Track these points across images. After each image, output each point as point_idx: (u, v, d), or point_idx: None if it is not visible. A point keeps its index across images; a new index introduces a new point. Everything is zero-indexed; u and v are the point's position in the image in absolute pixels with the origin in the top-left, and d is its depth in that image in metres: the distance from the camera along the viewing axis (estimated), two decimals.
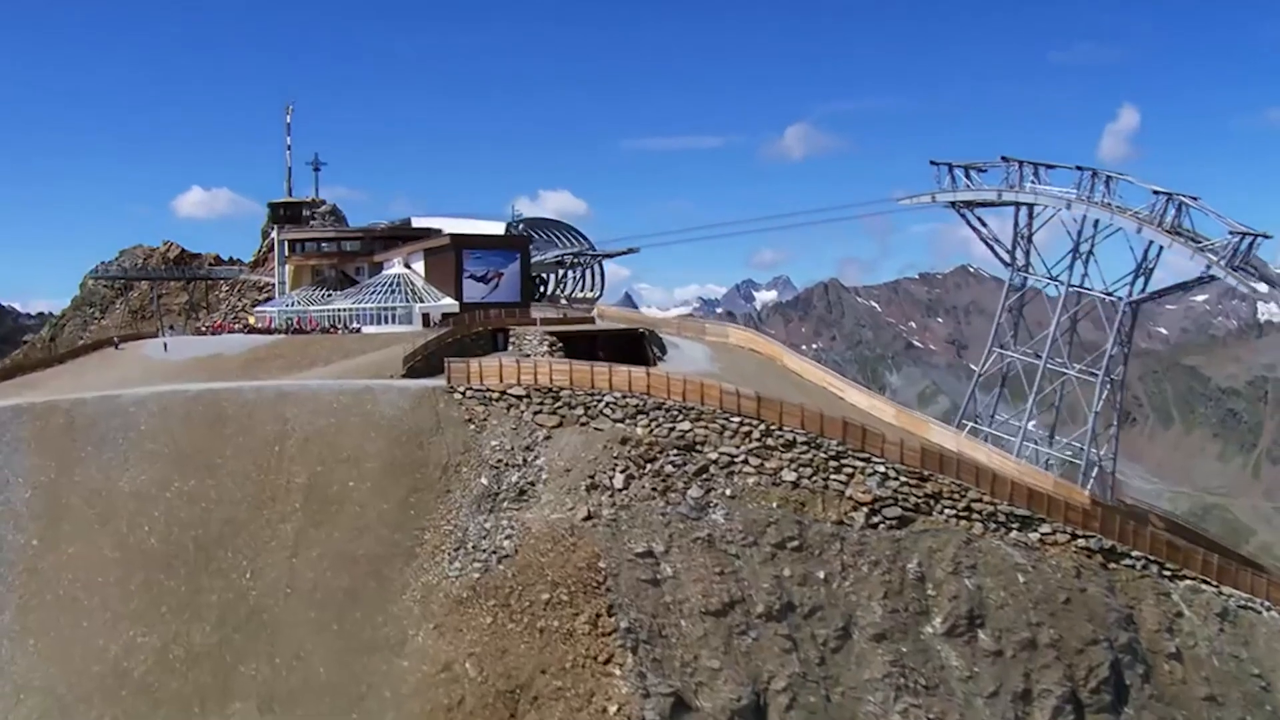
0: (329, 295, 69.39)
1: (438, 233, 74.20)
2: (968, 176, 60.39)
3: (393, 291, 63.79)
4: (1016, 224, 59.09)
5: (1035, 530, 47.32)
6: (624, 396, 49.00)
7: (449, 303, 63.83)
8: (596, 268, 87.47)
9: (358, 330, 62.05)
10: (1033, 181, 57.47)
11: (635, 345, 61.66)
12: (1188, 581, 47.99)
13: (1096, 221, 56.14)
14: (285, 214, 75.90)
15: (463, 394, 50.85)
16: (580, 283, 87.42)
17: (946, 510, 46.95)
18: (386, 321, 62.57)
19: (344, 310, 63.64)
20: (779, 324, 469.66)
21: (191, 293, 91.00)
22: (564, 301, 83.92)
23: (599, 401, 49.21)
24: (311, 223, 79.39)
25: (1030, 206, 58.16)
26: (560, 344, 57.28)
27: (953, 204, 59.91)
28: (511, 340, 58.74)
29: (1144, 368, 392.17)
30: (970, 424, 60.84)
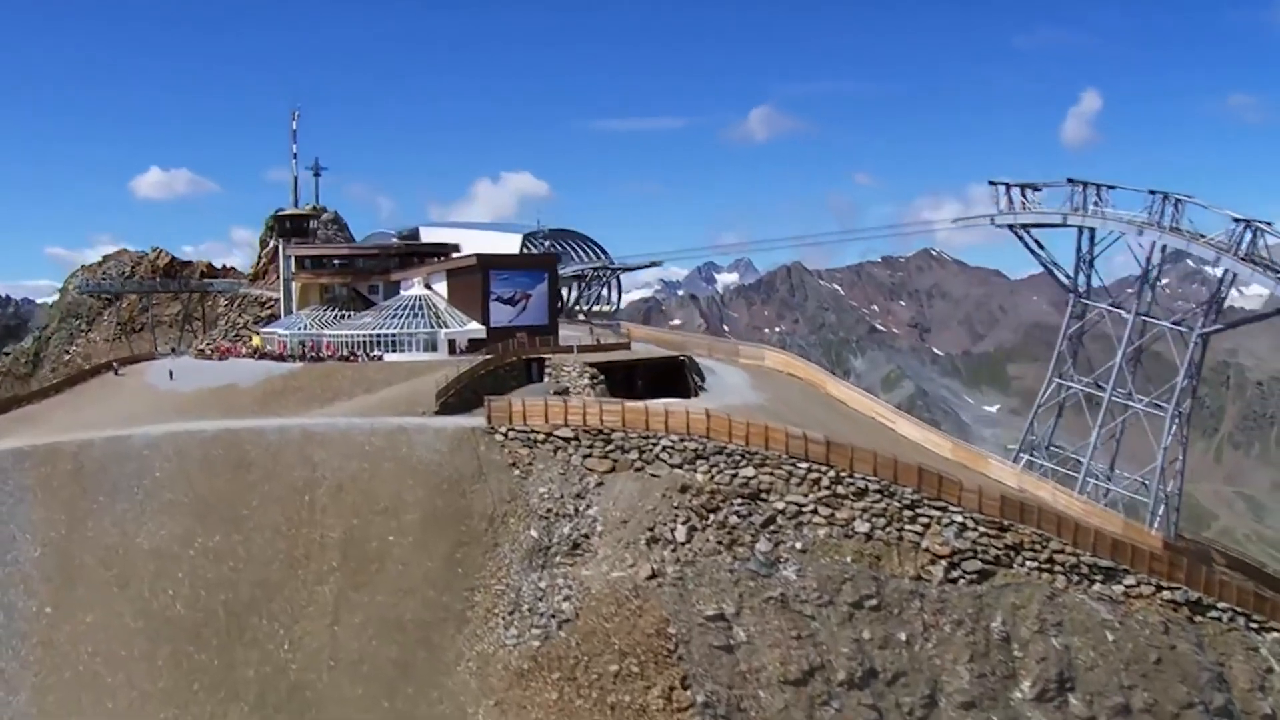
0: (342, 316, 65.31)
1: (454, 248, 70.31)
2: (1024, 195, 57.71)
3: (415, 315, 59.81)
4: (1079, 249, 56.53)
5: (1119, 582, 44.76)
6: (681, 440, 45.77)
7: (475, 327, 59.96)
8: (614, 281, 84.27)
9: (379, 358, 58.10)
10: (1096, 203, 54.87)
11: (675, 374, 58.40)
12: (1275, 634, 45.68)
13: (1164, 247, 53.70)
14: (291, 226, 71.51)
15: (505, 435, 47.44)
16: (598, 296, 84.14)
17: (1028, 562, 44.28)
18: (409, 348, 58.62)
19: (363, 335, 59.60)
20: (742, 307, 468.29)
21: (186, 304, 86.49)
22: (581, 316, 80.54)
23: (655, 445, 45.95)
24: (317, 234, 75.15)
25: (1092, 230, 55.62)
26: (600, 376, 53.83)
27: (1010, 226, 57.26)
28: (547, 371, 55.19)
29: (1107, 351, 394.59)
30: (1027, 457, 58.32)
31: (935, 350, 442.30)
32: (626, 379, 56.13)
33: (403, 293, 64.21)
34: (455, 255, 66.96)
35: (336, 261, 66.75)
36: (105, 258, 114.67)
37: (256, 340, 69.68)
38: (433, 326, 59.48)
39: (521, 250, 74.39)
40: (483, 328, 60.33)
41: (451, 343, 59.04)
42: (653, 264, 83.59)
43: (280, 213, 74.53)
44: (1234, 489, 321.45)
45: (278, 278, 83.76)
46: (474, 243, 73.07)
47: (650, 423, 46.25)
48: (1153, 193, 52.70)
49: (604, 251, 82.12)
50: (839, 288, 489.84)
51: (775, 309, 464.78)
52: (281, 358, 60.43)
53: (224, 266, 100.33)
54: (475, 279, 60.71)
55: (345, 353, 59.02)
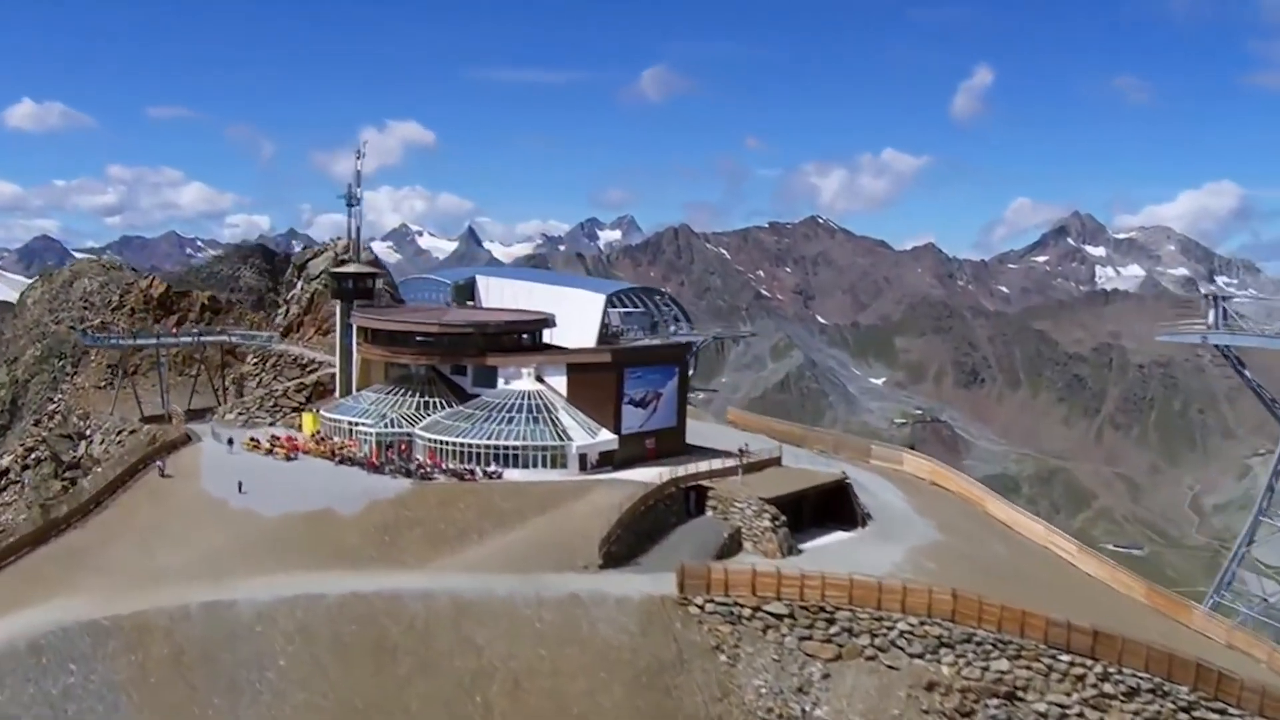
0: (425, 404, 55.98)
1: (550, 321, 61.07)
2: (1223, 305, 52.33)
3: (535, 420, 50.76)
4: None
5: None
6: (922, 623, 38.80)
7: (608, 437, 51.44)
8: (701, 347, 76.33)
9: (498, 475, 49.24)
10: None
11: (840, 496, 51.26)
12: None
13: None
14: (354, 287, 61.35)
15: (702, 608, 39.83)
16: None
17: None
18: (532, 464, 49.84)
19: (480, 447, 50.36)
20: (628, 267, 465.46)
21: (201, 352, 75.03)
22: None
23: (890, 629, 38.90)
24: (376, 294, 65.07)
25: None
26: (781, 515, 46.25)
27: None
28: (710, 504, 47.39)
29: (993, 329, 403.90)
30: (1216, 599, 53.22)
31: (820, 319, 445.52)
32: (794, 508, 48.71)
33: (506, 384, 55.06)
34: (565, 341, 57.97)
35: (419, 338, 57.13)
36: (73, 272, 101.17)
37: (310, 422, 59.89)
38: (558, 437, 50.65)
39: (604, 313, 65.57)
40: (614, 436, 51.88)
41: (583, 457, 50.47)
42: (750, 334, 75.81)
43: (338, 269, 64.18)
44: (1113, 470, 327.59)
45: (316, 332, 73.73)
46: (551, 305, 64.00)
47: (883, 601, 39.14)
48: None
49: (686, 314, 73.98)
50: (725, 251, 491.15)
51: (662, 270, 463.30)
52: (377, 469, 50.88)
53: (227, 301, 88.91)
54: (607, 378, 52.06)
55: (458, 467, 49.85)
